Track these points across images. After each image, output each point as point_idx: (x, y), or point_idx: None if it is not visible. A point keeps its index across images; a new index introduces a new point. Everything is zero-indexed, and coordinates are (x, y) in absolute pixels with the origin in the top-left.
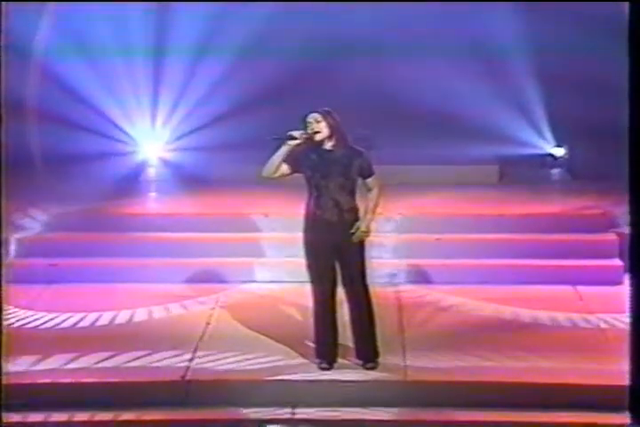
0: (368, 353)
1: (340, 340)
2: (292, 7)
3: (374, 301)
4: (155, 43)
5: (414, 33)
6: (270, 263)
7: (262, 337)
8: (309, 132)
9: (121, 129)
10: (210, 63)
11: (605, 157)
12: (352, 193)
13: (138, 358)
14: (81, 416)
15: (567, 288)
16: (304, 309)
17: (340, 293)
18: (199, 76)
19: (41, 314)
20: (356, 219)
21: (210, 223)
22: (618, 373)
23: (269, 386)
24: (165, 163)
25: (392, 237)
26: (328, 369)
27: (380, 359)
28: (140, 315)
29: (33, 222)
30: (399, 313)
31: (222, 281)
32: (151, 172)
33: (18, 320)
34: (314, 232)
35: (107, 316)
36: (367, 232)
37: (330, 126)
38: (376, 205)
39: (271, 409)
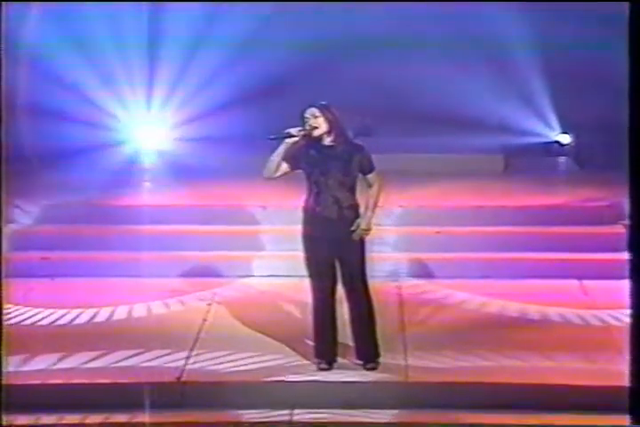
0: (368, 353)
1: (340, 338)
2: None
3: (374, 297)
4: (150, 34)
5: (418, 26)
6: (269, 257)
7: (260, 335)
8: (307, 128)
9: (114, 118)
10: (209, 54)
11: (613, 145)
12: (352, 189)
13: (130, 356)
14: (71, 419)
15: (572, 283)
16: (303, 305)
17: (340, 291)
18: (197, 65)
19: (33, 309)
20: (357, 216)
21: (206, 215)
22: (624, 373)
23: (267, 387)
24: (160, 153)
25: (392, 231)
26: (327, 369)
27: (381, 359)
28: (133, 311)
29: (23, 215)
30: (400, 310)
31: (219, 275)
32: (145, 162)
33: (7, 316)
34: (313, 229)
35: (96, 312)
36: (368, 230)
37: (328, 121)
38: (376, 202)
39: (269, 411)
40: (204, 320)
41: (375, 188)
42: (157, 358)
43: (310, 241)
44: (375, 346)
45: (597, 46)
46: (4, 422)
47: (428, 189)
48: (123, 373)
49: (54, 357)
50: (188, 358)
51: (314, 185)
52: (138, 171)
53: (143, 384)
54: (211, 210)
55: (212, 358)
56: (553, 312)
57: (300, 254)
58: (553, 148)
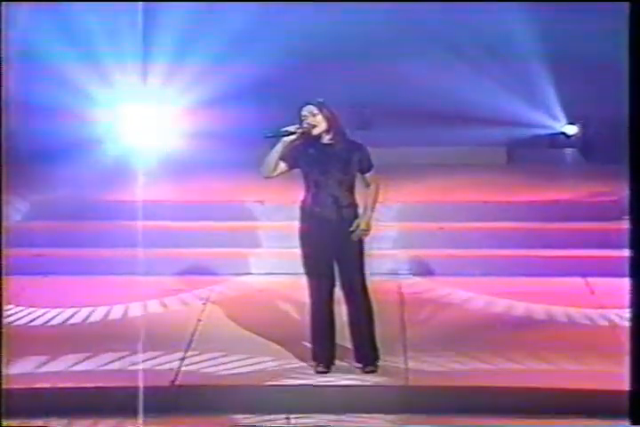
0: (367, 356)
1: (339, 340)
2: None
3: (374, 296)
4: (145, 28)
5: (420, 19)
6: (266, 254)
7: (257, 337)
8: (305, 126)
9: (107, 113)
10: (205, 48)
11: (621, 137)
12: (351, 189)
13: (122, 358)
14: (58, 424)
15: (578, 280)
16: (301, 305)
17: (338, 292)
18: (192, 59)
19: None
20: (356, 216)
21: (202, 211)
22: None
23: (263, 391)
24: (155, 148)
25: (392, 226)
26: (325, 373)
27: (381, 362)
28: (125, 310)
29: (12, 210)
30: (401, 309)
31: (215, 273)
32: (140, 157)
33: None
34: (311, 229)
35: (91, 311)
36: (367, 230)
37: (327, 119)
38: (375, 202)
39: (265, 416)
40: (199, 320)
41: (373, 187)
42: (151, 359)
43: (308, 241)
44: (374, 349)
45: (603, 36)
46: None
47: (428, 182)
48: (114, 376)
49: (42, 359)
50: (183, 359)
51: (312, 184)
52: (132, 166)
53: (136, 388)
54: (206, 205)
55: (207, 359)
56: (559, 312)
57: (299, 252)
58: (558, 139)
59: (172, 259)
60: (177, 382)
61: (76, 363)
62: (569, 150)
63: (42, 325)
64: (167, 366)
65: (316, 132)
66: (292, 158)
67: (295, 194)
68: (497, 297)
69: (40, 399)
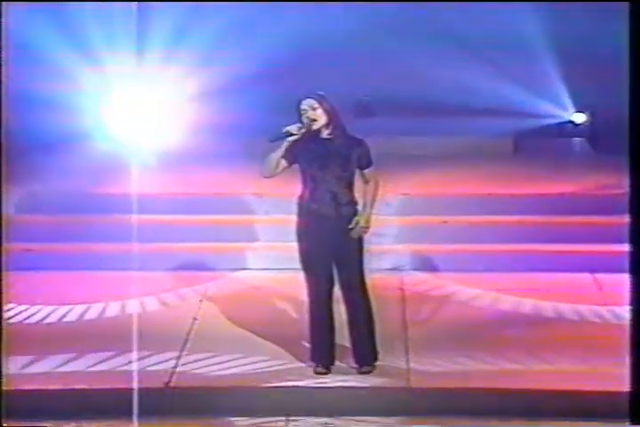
0: (365, 357)
1: (338, 340)
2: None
3: (374, 293)
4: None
5: (427, 12)
6: (264, 249)
7: (254, 336)
8: (306, 121)
9: (100, 105)
10: (202, 41)
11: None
12: (350, 185)
13: (112, 357)
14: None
15: (585, 276)
16: (299, 303)
17: (337, 291)
18: (189, 52)
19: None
20: (355, 213)
21: (197, 204)
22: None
23: (261, 392)
24: (149, 139)
25: (394, 220)
26: (324, 374)
27: (381, 362)
28: (117, 308)
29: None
30: (402, 307)
31: (211, 269)
32: (134, 149)
33: None
34: (309, 226)
35: (79, 309)
36: (367, 227)
37: (327, 113)
38: (375, 199)
39: (264, 418)
40: (195, 319)
41: (372, 184)
42: (145, 358)
43: (306, 239)
44: (373, 349)
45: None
46: None
47: (432, 174)
48: (107, 377)
49: (26, 359)
50: (178, 357)
51: (309, 179)
52: (126, 159)
53: (130, 389)
54: (202, 198)
55: (203, 358)
56: (566, 309)
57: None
58: (566, 128)
59: (167, 253)
60: (172, 384)
61: (67, 362)
62: (577, 140)
63: (20, 322)
64: (162, 367)
65: (315, 126)
66: (292, 154)
67: (295, 187)
68: (502, 293)
69: (30, 401)
